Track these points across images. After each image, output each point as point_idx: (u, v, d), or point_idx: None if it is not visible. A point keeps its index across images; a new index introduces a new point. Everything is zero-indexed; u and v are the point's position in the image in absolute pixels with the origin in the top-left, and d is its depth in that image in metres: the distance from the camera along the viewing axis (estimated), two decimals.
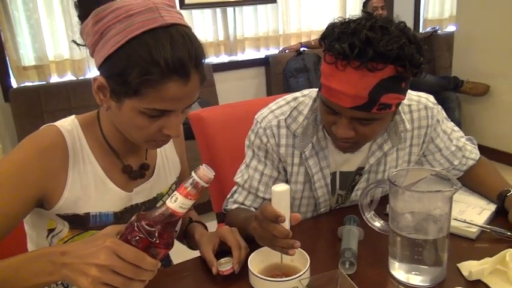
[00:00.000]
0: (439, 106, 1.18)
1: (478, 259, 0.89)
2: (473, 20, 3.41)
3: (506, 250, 0.86)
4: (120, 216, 0.93)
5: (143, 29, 0.75)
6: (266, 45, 3.69)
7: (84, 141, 0.90)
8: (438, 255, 0.84)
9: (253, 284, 0.87)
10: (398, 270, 0.87)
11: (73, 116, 0.92)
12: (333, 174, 1.15)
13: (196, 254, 1.01)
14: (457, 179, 0.86)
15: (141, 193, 0.98)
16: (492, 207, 1.09)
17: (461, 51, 3.56)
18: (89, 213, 0.89)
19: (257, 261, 0.90)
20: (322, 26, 3.32)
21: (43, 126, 0.88)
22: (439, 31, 4.29)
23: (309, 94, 1.13)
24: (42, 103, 2.79)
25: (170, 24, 0.77)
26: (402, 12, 4.04)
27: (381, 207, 1.02)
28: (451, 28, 4.46)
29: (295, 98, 1.14)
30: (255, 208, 1.14)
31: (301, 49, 3.58)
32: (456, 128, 1.23)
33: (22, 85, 2.87)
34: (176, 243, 1.10)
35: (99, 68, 0.81)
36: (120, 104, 0.80)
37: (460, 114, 3.58)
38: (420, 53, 0.89)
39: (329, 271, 0.78)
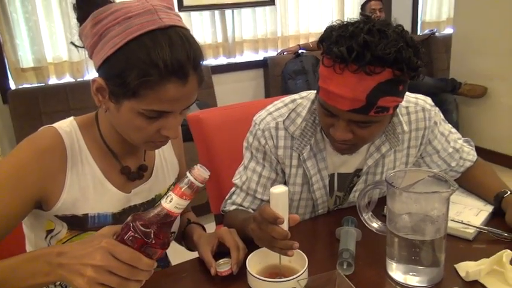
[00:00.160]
0: (437, 108, 1.19)
1: (475, 260, 0.89)
2: (470, 23, 3.42)
3: (503, 251, 0.87)
4: (118, 217, 0.93)
5: (142, 30, 0.75)
6: (264, 48, 3.70)
7: (83, 143, 0.90)
8: (435, 256, 0.85)
9: (251, 285, 0.87)
10: (396, 271, 0.88)
11: (71, 118, 0.93)
12: (331, 176, 1.16)
13: (194, 255, 1.01)
14: (455, 180, 0.86)
15: (140, 194, 0.98)
16: (489, 209, 1.09)
17: (459, 54, 3.57)
18: (87, 214, 0.90)
19: (255, 262, 0.91)
20: (320, 28, 3.34)
21: (41, 128, 0.89)
22: (436, 33, 4.31)
23: (307, 96, 1.14)
24: (40, 105, 2.79)
25: (169, 26, 0.77)
26: (400, 14, 4.06)
27: (379, 208, 1.02)
28: (448, 30, 4.47)
29: (293, 100, 1.14)
30: (253, 210, 1.14)
31: (300, 51, 3.59)
32: (453, 130, 1.23)
33: (20, 87, 2.87)
34: (174, 244, 1.11)
35: (98, 69, 0.82)
36: (119, 106, 0.80)
37: (458, 116, 3.59)
38: (418, 56, 0.89)
39: (327, 272, 0.78)
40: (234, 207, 1.16)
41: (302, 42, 3.79)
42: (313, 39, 3.80)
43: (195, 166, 0.69)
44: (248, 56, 3.66)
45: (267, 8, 3.60)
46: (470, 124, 3.58)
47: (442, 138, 1.19)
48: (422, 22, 4.56)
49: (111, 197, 0.93)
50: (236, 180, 1.17)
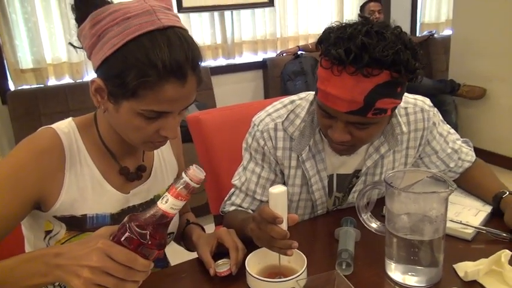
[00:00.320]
0: (435, 109, 1.19)
1: (474, 260, 0.89)
2: (469, 24, 3.43)
3: (502, 251, 0.87)
4: (117, 218, 0.93)
5: (140, 31, 0.76)
6: (264, 49, 3.70)
7: (81, 143, 0.90)
8: (434, 256, 0.85)
9: (250, 285, 0.87)
10: (395, 271, 0.88)
11: (70, 119, 0.93)
12: (330, 177, 1.16)
13: (193, 255, 1.01)
14: (453, 181, 0.86)
15: (138, 195, 0.98)
16: (488, 209, 1.10)
17: (458, 55, 3.58)
18: (85, 215, 0.89)
19: (254, 263, 0.91)
20: (319, 30, 3.33)
21: (40, 129, 0.89)
22: (435, 35, 4.31)
23: (305, 97, 1.14)
24: (39, 106, 2.78)
25: (167, 26, 0.77)
26: (399, 16, 4.06)
27: (378, 208, 1.02)
28: (447, 32, 4.48)
29: (292, 101, 1.14)
30: (253, 210, 1.15)
31: (299, 52, 3.59)
32: (452, 131, 1.23)
33: (20, 88, 2.87)
34: (174, 244, 1.11)
35: (97, 70, 0.82)
36: (118, 106, 0.80)
37: (457, 117, 3.59)
38: (416, 58, 0.89)
39: (326, 272, 0.79)
40: (233, 208, 1.16)
41: (301, 43, 3.80)
42: (312, 40, 3.80)
43: (190, 167, 0.68)
44: (247, 57, 3.67)
45: (266, 9, 3.61)
46: (469, 125, 3.58)
47: (440, 139, 1.19)
48: (421, 23, 4.57)
49: (110, 197, 0.93)
50: (235, 181, 1.17)
